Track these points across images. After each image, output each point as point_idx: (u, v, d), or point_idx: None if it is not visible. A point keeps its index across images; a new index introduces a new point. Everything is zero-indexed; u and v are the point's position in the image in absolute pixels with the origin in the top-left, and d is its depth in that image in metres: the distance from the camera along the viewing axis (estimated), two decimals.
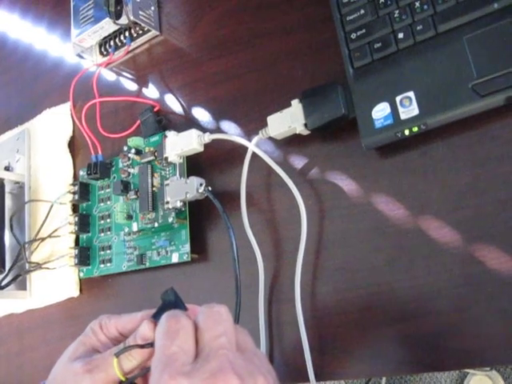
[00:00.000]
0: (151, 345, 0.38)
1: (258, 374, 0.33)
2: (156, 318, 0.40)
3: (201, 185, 0.58)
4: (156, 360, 0.34)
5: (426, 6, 0.49)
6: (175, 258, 0.61)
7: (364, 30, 0.52)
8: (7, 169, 0.87)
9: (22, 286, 0.80)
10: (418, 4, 0.49)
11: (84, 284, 0.75)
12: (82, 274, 0.72)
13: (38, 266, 0.77)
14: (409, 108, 0.48)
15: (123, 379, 0.39)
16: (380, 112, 0.49)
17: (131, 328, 0.43)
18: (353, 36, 0.53)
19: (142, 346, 0.38)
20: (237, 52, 0.65)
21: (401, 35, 0.50)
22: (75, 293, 0.74)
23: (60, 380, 0.42)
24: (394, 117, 0.48)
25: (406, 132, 0.48)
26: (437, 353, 0.45)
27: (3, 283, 0.79)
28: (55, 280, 0.77)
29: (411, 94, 0.48)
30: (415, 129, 0.47)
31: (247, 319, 0.55)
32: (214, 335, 0.35)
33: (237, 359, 0.34)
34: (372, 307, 0.50)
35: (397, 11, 0.50)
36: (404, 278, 0.48)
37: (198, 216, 0.62)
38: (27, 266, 0.78)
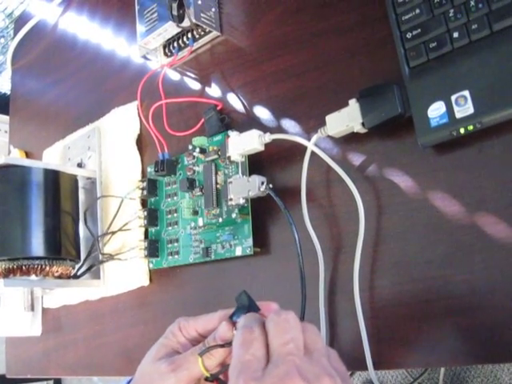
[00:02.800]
0: (230, 344, 0.42)
1: (324, 375, 0.36)
2: (233, 318, 0.44)
3: (262, 183, 0.60)
4: (233, 367, 0.38)
5: (480, 5, 0.49)
6: (239, 252, 0.64)
7: (419, 30, 0.53)
8: (80, 165, 0.93)
9: (96, 275, 0.86)
10: (472, 3, 0.49)
11: (154, 274, 0.79)
12: (151, 265, 0.77)
13: (111, 257, 0.82)
14: (464, 107, 0.49)
15: (208, 375, 0.44)
16: (435, 111, 0.51)
17: (210, 328, 0.47)
18: (408, 35, 0.54)
19: (222, 346, 0.43)
20: (296, 51, 0.67)
21: (456, 34, 0.51)
22: (145, 282, 0.79)
23: (147, 379, 0.46)
24: (450, 116, 0.49)
25: (462, 131, 0.49)
26: (492, 345, 0.47)
27: (79, 272, 0.85)
28: (127, 270, 0.82)
29: (466, 93, 0.49)
30: (470, 127, 0.48)
31: (308, 310, 0.58)
32: (282, 342, 0.38)
33: (304, 363, 0.36)
34: (428, 300, 0.51)
35: (452, 10, 0.51)
36: (460, 272, 0.50)
37: (260, 211, 0.65)
38: (100, 256, 0.83)
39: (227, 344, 0.43)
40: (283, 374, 0.35)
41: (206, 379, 0.44)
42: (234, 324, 0.44)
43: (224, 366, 0.44)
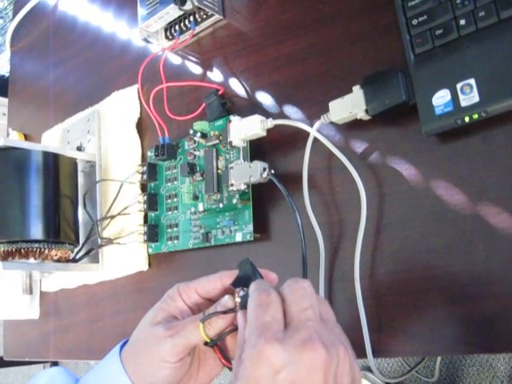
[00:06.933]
0: (232, 311, 0.43)
1: (339, 343, 0.37)
2: (235, 286, 0.45)
3: (264, 169, 0.60)
4: (252, 327, 0.38)
5: None
6: (239, 237, 0.64)
7: (425, 16, 0.52)
8: (79, 149, 0.92)
9: (95, 259, 0.85)
10: None
11: (153, 259, 0.79)
12: (150, 250, 0.76)
13: (110, 241, 0.82)
14: (469, 95, 0.48)
15: (208, 340, 0.44)
16: (440, 99, 0.50)
17: (211, 288, 0.47)
18: (414, 22, 0.53)
19: (224, 312, 0.43)
20: (299, 36, 0.66)
21: (462, 22, 0.50)
22: (144, 267, 0.79)
23: (142, 342, 0.47)
24: (455, 104, 0.49)
25: (466, 119, 0.48)
26: (491, 335, 0.47)
27: (78, 256, 0.85)
28: (126, 254, 0.81)
29: (472, 81, 0.49)
30: (475, 116, 0.48)
31: None
32: (301, 308, 0.38)
33: (322, 330, 0.38)
34: (429, 289, 0.51)
35: None
36: (461, 261, 0.50)
37: (261, 197, 0.65)
38: (99, 241, 0.83)
39: (230, 310, 0.43)
40: (305, 337, 0.36)
41: (206, 344, 0.45)
42: (235, 291, 0.44)
43: (224, 333, 0.44)
